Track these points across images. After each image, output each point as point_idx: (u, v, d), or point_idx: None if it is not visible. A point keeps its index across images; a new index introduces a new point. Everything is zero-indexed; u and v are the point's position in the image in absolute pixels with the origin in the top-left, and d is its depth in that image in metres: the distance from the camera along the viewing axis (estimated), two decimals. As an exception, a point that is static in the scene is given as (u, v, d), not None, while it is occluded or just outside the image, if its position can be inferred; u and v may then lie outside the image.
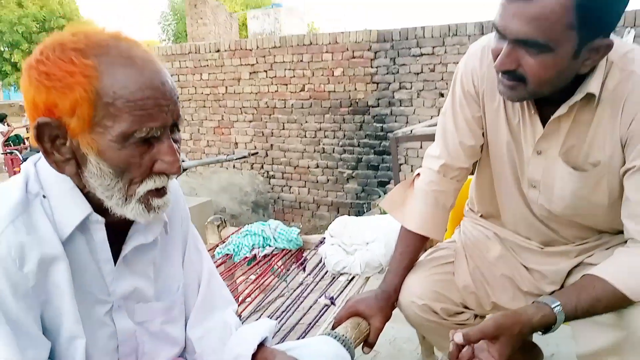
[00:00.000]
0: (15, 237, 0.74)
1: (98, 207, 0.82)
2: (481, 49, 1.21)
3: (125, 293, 0.88)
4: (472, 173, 1.41)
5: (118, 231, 0.86)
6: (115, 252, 0.86)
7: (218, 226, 2.27)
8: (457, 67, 1.28)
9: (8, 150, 10.09)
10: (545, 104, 1.11)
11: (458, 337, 0.98)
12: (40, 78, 0.74)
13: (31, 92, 0.76)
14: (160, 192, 0.83)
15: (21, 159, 9.54)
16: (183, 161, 0.81)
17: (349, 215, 2.13)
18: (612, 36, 1.01)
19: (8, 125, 12.47)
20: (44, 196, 0.80)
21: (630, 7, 1.17)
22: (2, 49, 20.54)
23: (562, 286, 1.28)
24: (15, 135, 10.94)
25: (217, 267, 1.25)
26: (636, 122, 1.03)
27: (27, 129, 10.88)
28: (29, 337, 0.75)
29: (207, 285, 1.04)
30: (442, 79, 6.04)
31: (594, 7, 0.93)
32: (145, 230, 0.89)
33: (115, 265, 0.86)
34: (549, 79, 1.01)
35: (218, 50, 7.56)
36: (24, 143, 10.50)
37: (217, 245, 2.14)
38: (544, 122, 1.13)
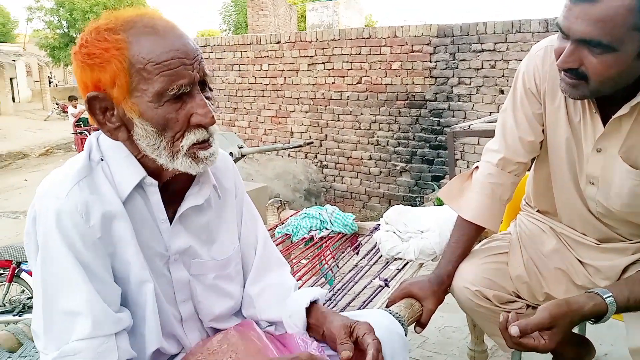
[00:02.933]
0: (80, 196, 0.86)
1: (152, 171, 0.94)
2: (544, 49, 1.24)
3: (180, 249, 0.99)
4: (530, 169, 1.44)
5: (177, 194, 0.98)
6: (174, 213, 0.98)
7: (278, 208, 2.37)
8: (519, 66, 1.31)
9: (78, 131, 10.69)
10: (607, 104, 1.13)
11: (514, 330, 1.01)
12: (84, 59, 0.87)
13: (79, 74, 0.88)
14: (204, 144, 0.92)
15: (90, 139, 10.07)
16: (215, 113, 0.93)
17: (401, 207, 2.18)
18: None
19: (75, 107, 13.16)
20: (102, 159, 0.92)
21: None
22: (75, 36, 21.62)
23: None
24: (86, 117, 11.55)
25: (276, 246, 1.35)
26: None
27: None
28: (100, 282, 0.87)
29: (263, 248, 1.15)
30: (503, 76, 5.91)
31: None
32: (197, 194, 1.00)
33: (171, 224, 0.98)
34: (611, 78, 1.03)
35: (278, 42, 7.71)
36: (93, 124, 11.03)
37: (277, 226, 2.25)
38: (604, 120, 1.15)
